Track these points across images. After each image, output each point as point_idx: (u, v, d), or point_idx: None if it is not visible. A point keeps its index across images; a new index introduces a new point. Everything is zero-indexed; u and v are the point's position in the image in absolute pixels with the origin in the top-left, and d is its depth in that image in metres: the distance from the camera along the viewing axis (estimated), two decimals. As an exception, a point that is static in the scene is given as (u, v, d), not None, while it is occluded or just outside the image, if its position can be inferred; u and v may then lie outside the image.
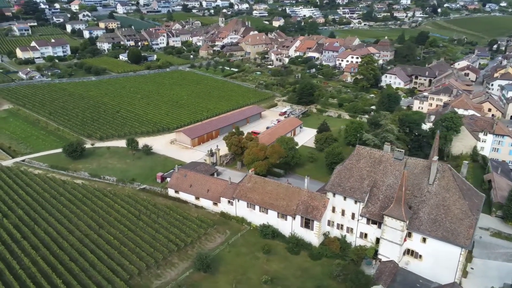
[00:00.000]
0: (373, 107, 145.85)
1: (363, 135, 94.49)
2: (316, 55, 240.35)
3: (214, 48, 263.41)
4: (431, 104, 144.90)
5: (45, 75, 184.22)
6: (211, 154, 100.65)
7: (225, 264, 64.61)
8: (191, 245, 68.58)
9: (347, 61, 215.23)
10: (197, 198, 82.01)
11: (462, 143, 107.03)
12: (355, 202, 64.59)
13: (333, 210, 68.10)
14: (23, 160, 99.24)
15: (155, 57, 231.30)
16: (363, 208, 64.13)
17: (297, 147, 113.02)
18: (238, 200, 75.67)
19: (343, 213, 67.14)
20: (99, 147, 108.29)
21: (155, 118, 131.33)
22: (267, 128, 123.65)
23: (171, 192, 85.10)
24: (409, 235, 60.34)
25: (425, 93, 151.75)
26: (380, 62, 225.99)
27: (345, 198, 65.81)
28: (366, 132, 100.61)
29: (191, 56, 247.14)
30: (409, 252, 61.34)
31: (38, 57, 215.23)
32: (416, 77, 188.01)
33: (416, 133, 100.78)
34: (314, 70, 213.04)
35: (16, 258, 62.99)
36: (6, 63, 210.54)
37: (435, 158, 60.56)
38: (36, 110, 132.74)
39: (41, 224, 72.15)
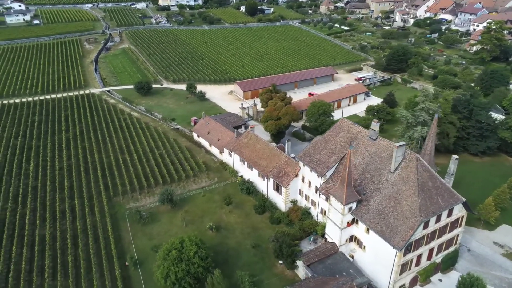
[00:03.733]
0: (473, 84, 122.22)
1: (398, 111, 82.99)
2: (449, 17, 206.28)
3: (337, 4, 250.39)
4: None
5: (170, 21, 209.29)
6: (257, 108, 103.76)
7: (192, 205, 70.57)
8: (177, 182, 76.33)
9: (484, 26, 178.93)
10: (210, 145, 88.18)
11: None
12: (318, 175, 60.91)
13: (303, 179, 65.54)
14: (108, 91, 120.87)
15: (272, 10, 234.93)
16: (323, 183, 60.17)
17: (348, 115, 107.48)
18: (234, 153, 78.85)
19: (309, 184, 64.13)
20: (166, 88, 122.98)
21: (230, 68, 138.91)
22: (330, 91, 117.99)
23: (195, 135, 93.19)
24: (357, 221, 54.80)
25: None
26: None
27: (311, 170, 62.52)
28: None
29: (310, 11, 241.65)
30: (356, 240, 55.98)
31: (173, 5, 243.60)
32: None
33: (481, 120, 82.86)
34: (436, 34, 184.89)
35: (54, 161, 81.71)
36: (149, 8, 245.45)
37: (400, 143, 51.51)
38: (140, 51, 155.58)
39: (84, 140, 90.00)
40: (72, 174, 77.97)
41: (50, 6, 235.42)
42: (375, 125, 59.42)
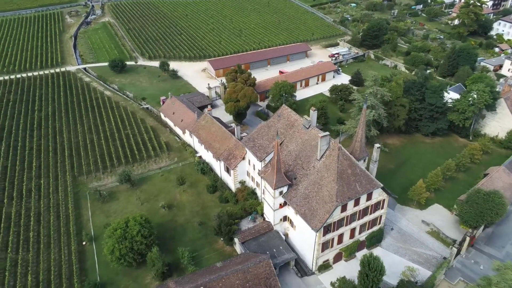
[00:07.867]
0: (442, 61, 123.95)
1: (351, 94, 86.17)
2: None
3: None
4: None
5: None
6: (225, 87, 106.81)
7: (150, 184, 75.98)
8: (138, 162, 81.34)
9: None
10: (174, 125, 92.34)
11: (499, 124, 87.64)
12: (258, 160, 65.51)
13: (249, 162, 70.27)
14: (85, 68, 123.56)
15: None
16: (263, 167, 64.90)
17: (315, 93, 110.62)
18: (193, 135, 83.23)
19: (254, 167, 68.91)
20: (141, 65, 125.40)
21: (207, 44, 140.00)
22: (300, 68, 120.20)
23: (162, 115, 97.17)
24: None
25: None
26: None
27: (252, 154, 67.05)
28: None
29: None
30: (289, 219, 61.42)
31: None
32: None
33: (432, 103, 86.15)
34: (421, 6, 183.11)
35: (25, 141, 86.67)
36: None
37: (324, 133, 55.65)
38: (120, 25, 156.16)
39: (56, 119, 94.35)
40: (41, 154, 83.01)
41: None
42: (312, 114, 63.42)
